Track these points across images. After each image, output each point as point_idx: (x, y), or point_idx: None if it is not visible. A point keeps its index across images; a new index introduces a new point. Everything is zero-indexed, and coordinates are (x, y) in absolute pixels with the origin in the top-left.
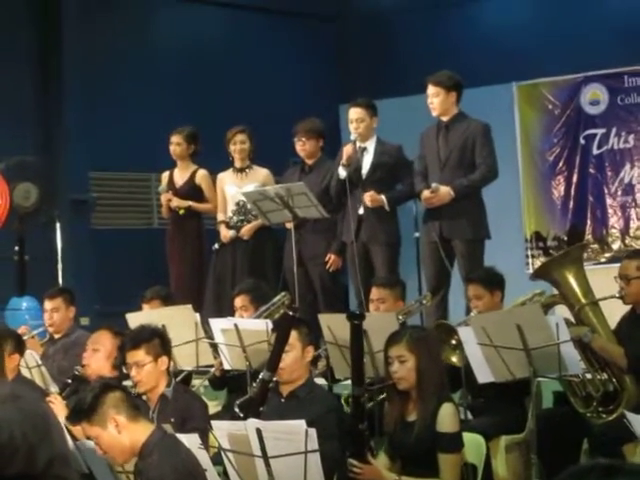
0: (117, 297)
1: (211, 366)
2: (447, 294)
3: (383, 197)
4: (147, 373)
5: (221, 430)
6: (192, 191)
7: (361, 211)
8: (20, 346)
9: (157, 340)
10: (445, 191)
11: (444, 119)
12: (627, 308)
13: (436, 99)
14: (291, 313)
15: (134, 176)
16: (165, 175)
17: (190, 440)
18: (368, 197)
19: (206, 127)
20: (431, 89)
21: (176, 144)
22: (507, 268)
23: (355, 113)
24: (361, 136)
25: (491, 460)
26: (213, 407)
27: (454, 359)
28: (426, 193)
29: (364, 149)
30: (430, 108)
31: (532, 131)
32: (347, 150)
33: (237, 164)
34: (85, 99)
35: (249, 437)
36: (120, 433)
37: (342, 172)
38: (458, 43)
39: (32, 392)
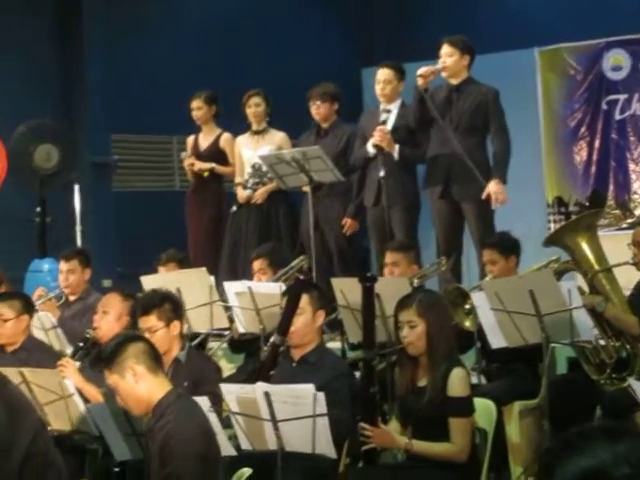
0: (139, 259)
1: (226, 329)
2: (460, 258)
3: (397, 145)
4: (159, 338)
5: (230, 394)
6: (216, 154)
7: (382, 174)
8: (29, 307)
9: (168, 305)
10: (496, 187)
11: (454, 82)
12: None
13: (450, 59)
14: (302, 277)
15: (155, 139)
16: (190, 139)
17: (201, 403)
18: (379, 131)
19: (227, 90)
20: (446, 48)
21: (197, 108)
22: (528, 233)
23: (383, 74)
24: (386, 98)
25: (504, 426)
26: (230, 370)
27: (467, 323)
28: None
29: (388, 111)
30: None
31: (554, 96)
32: (382, 130)
33: (253, 127)
34: (107, 61)
35: (257, 401)
36: (137, 383)
37: (371, 150)
38: (480, 8)
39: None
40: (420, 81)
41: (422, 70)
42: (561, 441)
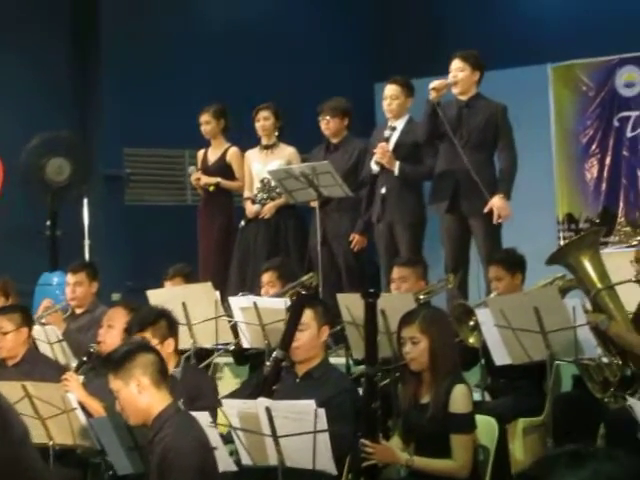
0: (150, 273)
1: (229, 344)
2: (467, 275)
3: (397, 162)
4: None
5: (232, 409)
6: (222, 169)
7: (383, 190)
8: (28, 319)
9: (163, 322)
10: (500, 202)
11: (463, 98)
12: None
13: (461, 73)
14: (304, 292)
15: (168, 152)
16: (200, 153)
17: (201, 418)
18: (380, 148)
19: (239, 104)
20: (458, 63)
21: (205, 123)
22: (539, 249)
23: (390, 90)
24: (392, 113)
25: (508, 443)
26: (235, 385)
27: (472, 340)
28: None
29: (393, 128)
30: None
31: (566, 113)
32: (382, 147)
33: (263, 141)
34: (120, 75)
35: (259, 416)
36: (140, 394)
37: (375, 167)
38: (493, 24)
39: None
40: (433, 94)
41: (435, 83)
42: (525, 474)
